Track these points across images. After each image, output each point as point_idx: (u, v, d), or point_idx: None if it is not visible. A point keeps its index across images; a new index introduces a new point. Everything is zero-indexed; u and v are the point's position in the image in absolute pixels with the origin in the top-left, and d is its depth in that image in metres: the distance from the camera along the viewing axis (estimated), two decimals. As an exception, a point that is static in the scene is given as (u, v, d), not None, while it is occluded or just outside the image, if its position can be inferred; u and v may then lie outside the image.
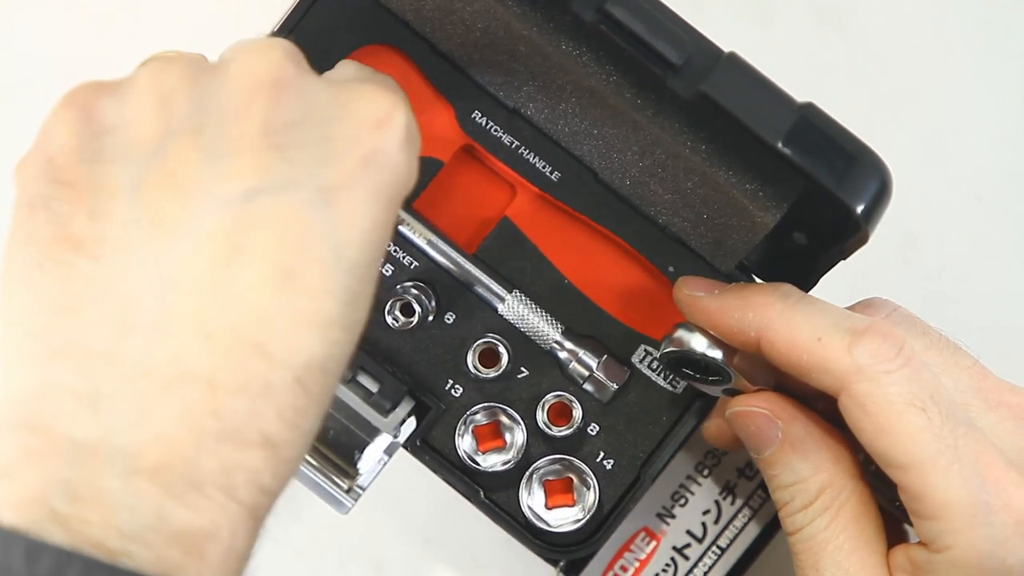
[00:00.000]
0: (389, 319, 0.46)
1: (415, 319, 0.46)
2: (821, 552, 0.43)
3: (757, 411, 0.44)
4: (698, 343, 0.44)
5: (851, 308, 0.45)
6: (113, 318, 0.33)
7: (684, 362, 0.45)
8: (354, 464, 0.46)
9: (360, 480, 0.46)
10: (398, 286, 0.47)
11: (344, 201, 0.35)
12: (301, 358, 0.34)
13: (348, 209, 0.35)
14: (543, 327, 0.47)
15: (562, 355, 0.47)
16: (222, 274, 0.34)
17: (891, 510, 0.45)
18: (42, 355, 0.34)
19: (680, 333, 0.44)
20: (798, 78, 0.43)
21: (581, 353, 0.47)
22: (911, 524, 0.43)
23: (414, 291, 0.46)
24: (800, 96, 0.41)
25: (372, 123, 0.36)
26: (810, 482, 0.43)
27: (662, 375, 0.47)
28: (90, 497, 0.32)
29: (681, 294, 0.45)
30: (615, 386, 0.47)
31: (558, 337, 0.47)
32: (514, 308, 0.47)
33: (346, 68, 0.42)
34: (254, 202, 0.34)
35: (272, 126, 0.35)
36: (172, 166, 0.35)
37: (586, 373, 0.47)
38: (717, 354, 0.44)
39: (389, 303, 0.46)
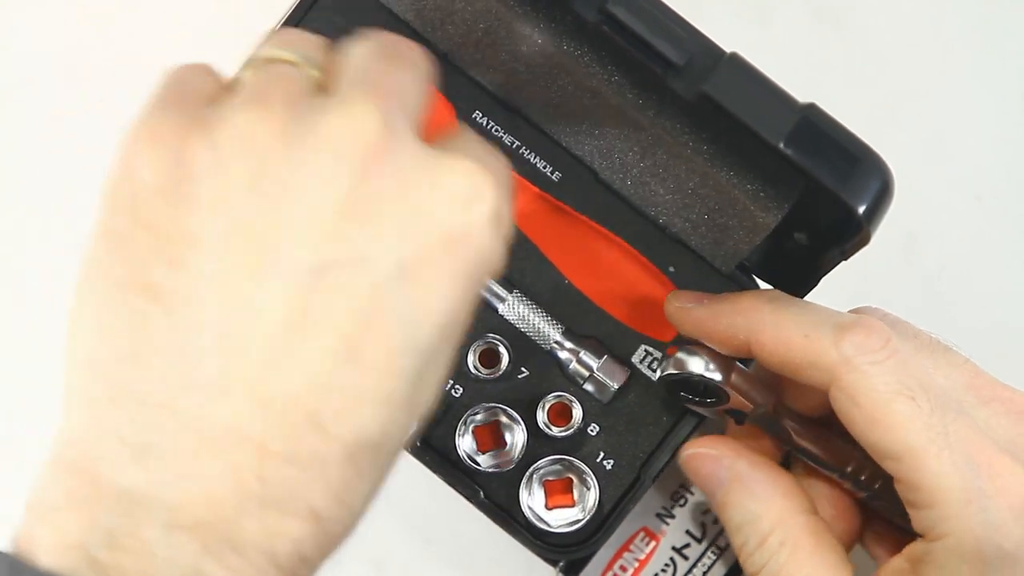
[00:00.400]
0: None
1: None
2: None
3: (705, 453, 0.45)
4: (696, 365, 0.44)
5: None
6: (174, 372, 0.33)
7: (682, 385, 0.45)
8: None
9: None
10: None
11: (423, 279, 0.34)
12: (355, 435, 0.33)
13: (426, 288, 0.34)
14: (543, 327, 0.47)
15: (562, 355, 0.47)
16: (287, 341, 0.33)
17: (888, 516, 0.45)
18: (100, 399, 0.33)
19: (679, 356, 0.45)
20: (797, 78, 0.43)
21: (582, 353, 0.47)
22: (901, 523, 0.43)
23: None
24: (799, 96, 0.41)
25: (460, 200, 0.35)
26: (762, 520, 0.44)
27: (662, 375, 0.47)
28: (129, 547, 0.32)
29: (671, 307, 0.46)
30: (616, 386, 0.47)
31: (558, 337, 0.47)
32: (515, 308, 0.47)
33: (467, 137, 0.39)
34: (330, 273, 0.33)
35: (357, 196, 0.34)
36: (253, 226, 0.34)
37: (586, 373, 0.47)
38: (715, 375, 0.44)
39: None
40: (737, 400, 0.44)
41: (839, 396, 0.42)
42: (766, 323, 0.43)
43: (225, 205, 0.34)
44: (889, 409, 0.41)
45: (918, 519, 0.42)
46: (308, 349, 0.33)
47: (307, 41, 0.38)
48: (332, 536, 0.34)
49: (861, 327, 0.42)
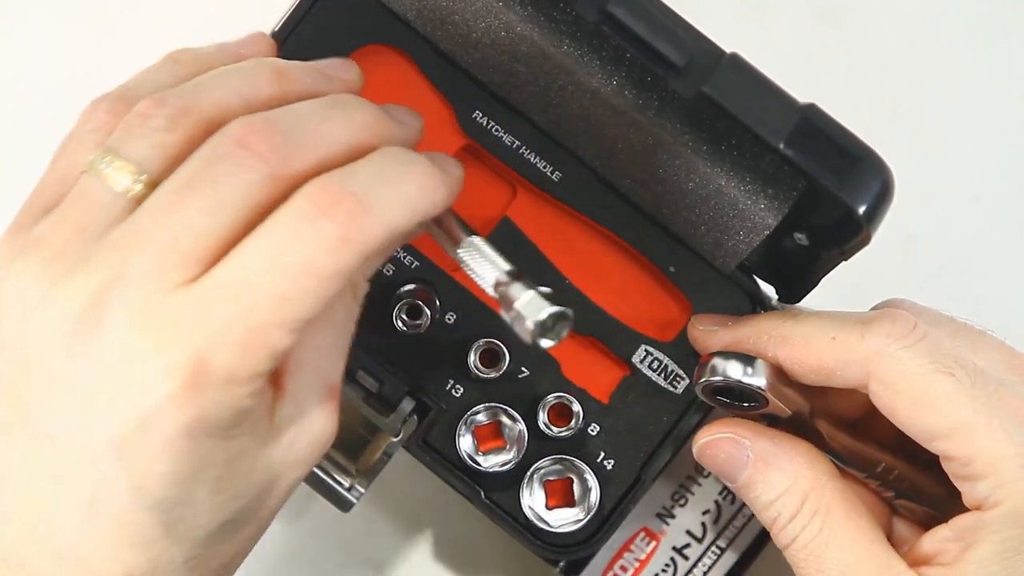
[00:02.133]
0: (398, 323, 0.46)
1: (423, 321, 0.46)
2: (822, 555, 0.43)
3: (722, 437, 0.45)
4: (735, 370, 0.44)
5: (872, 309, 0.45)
6: None
7: (720, 390, 0.45)
8: (355, 462, 0.46)
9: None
10: (402, 288, 0.46)
11: (136, 453, 0.35)
12: (118, 571, 0.36)
13: (142, 460, 0.35)
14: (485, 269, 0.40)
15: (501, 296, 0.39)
16: (43, 497, 0.35)
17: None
18: None
19: (717, 361, 0.44)
20: (798, 78, 0.43)
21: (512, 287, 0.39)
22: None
23: (418, 294, 0.46)
24: (799, 96, 0.41)
25: (139, 387, 0.35)
26: (792, 492, 0.44)
27: (662, 375, 0.47)
28: None
29: (696, 332, 0.46)
30: (532, 322, 0.38)
31: (502, 277, 0.39)
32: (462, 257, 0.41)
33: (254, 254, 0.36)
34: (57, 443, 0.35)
35: (66, 372, 0.35)
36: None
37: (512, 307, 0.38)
38: (755, 380, 0.44)
39: (396, 306, 0.46)
40: (775, 404, 0.44)
41: (878, 389, 0.42)
42: (792, 335, 0.43)
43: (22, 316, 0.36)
44: (931, 388, 0.41)
45: (972, 493, 0.41)
46: (58, 503, 0.36)
47: (145, 139, 0.37)
48: None
49: (886, 317, 0.42)
